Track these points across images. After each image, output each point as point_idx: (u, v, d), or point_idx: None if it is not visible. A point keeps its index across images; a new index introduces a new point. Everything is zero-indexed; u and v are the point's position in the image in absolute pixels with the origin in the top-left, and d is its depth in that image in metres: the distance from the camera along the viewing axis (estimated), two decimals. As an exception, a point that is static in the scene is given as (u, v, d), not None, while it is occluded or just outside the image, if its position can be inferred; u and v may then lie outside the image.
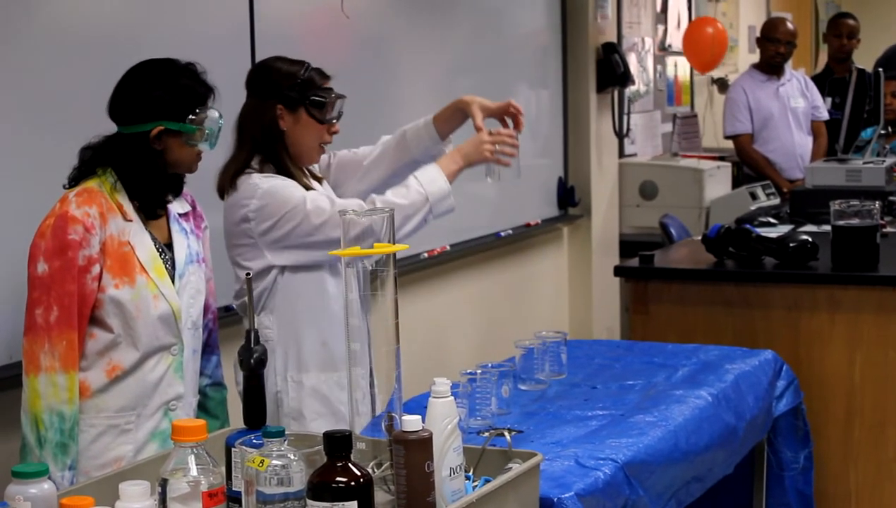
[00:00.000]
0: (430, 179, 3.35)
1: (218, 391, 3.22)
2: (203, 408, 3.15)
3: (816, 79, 7.87)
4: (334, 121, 3.43)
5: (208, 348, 3.18)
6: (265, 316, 3.43)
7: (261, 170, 3.38)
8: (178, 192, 3.04)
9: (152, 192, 2.95)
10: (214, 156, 3.15)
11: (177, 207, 3.04)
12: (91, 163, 2.92)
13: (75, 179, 2.93)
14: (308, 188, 3.40)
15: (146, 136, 2.89)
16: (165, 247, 2.98)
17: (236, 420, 2.94)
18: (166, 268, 2.95)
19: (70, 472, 2.81)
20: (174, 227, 3.01)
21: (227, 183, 3.39)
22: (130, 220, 2.90)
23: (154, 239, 2.95)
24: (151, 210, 2.96)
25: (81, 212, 2.81)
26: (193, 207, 3.11)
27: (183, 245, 3.01)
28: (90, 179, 2.90)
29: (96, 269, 2.83)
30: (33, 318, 2.80)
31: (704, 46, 7.50)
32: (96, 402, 2.88)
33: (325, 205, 3.30)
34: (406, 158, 3.58)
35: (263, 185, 3.32)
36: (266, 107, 3.38)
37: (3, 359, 3.30)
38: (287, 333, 3.42)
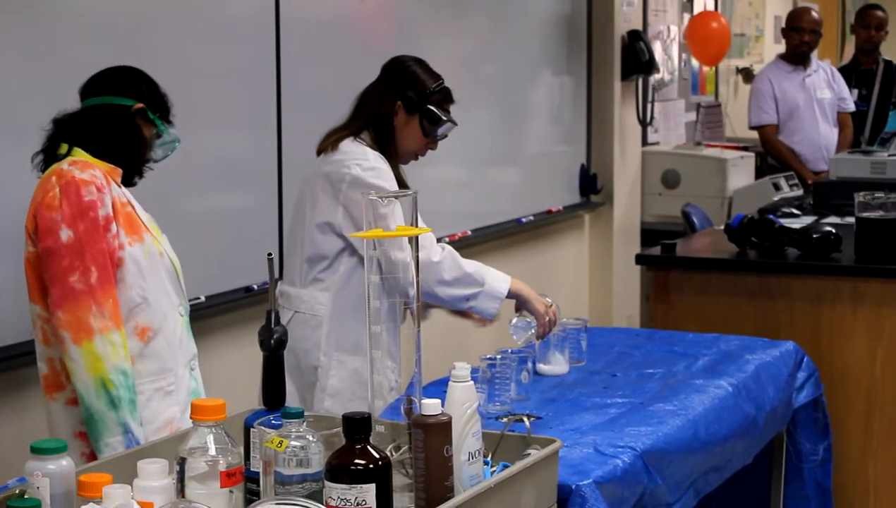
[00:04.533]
0: (497, 278, 3.55)
1: None
2: None
3: (844, 70, 7.82)
4: (437, 139, 3.57)
5: None
6: (318, 292, 3.52)
7: (371, 147, 3.50)
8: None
9: (136, 155, 2.96)
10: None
11: None
12: (59, 136, 2.91)
13: (46, 152, 2.91)
14: (401, 185, 3.52)
15: (128, 109, 2.92)
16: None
17: (245, 396, 2.94)
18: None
19: (142, 429, 2.79)
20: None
21: (332, 141, 3.51)
22: (120, 186, 2.92)
23: None
24: (130, 177, 2.97)
25: (88, 175, 2.80)
26: None
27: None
28: (68, 155, 2.88)
29: (114, 228, 2.83)
30: (69, 286, 2.75)
31: (708, 40, 7.44)
32: (138, 368, 2.86)
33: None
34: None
35: (373, 162, 3.45)
36: (389, 97, 3.52)
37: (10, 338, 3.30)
38: (339, 313, 3.49)
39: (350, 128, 3.53)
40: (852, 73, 7.70)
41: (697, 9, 8.04)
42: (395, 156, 3.54)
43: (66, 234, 2.77)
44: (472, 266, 3.53)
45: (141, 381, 2.85)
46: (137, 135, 2.95)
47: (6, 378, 3.42)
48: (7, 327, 3.32)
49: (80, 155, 2.88)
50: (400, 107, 3.51)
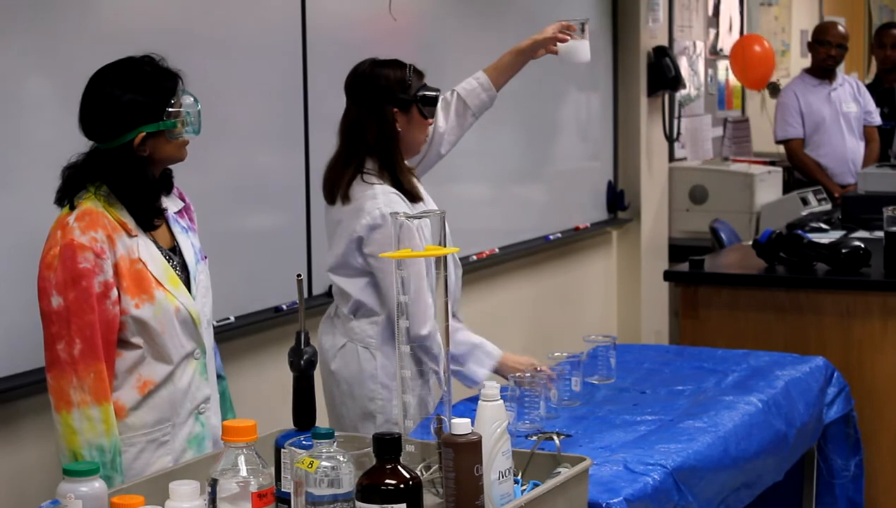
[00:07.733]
0: (480, 363, 3.43)
1: (219, 382, 3.10)
2: None
3: (868, 88, 7.79)
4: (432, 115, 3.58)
5: None
6: (368, 325, 3.48)
7: (379, 176, 3.45)
8: (170, 189, 2.93)
9: (147, 204, 2.82)
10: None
11: (171, 206, 2.94)
12: (75, 181, 2.80)
13: (63, 198, 2.81)
14: (417, 198, 3.49)
15: (130, 147, 2.76)
16: (171, 253, 2.88)
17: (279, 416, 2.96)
18: (178, 274, 2.86)
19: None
20: (175, 229, 2.92)
21: (341, 188, 3.46)
22: (135, 236, 2.79)
23: (159, 247, 2.85)
24: (149, 222, 2.83)
25: (88, 239, 2.70)
26: (183, 200, 3.00)
27: (188, 246, 2.92)
28: (84, 197, 2.77)
29: (114, 294, 2.73)
30: (56, 354, 2.70)
31: (754, 63, 7.45)
32: (133, 421, 2.80)
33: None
34: (469, 120, 3.81)
35: (383, 207, 3.37)
36: (380, 112, 3.45)
37: (4, 370, 3.26)
38: (390, 343, 3.43)
39: (352, 165, 3.47)
40: (874, 93, 7.67)
41: (723, 25, 8.03)
42: (404, 160, 3.50)
43: (56, 301, 2.70)
44: (458, 345, 3.44)
45: (135, 434, 2.80)
46: (142, 179, 2.79)
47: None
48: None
49: (100, 195, 2.77)
50: (397, 112, 3.46)
